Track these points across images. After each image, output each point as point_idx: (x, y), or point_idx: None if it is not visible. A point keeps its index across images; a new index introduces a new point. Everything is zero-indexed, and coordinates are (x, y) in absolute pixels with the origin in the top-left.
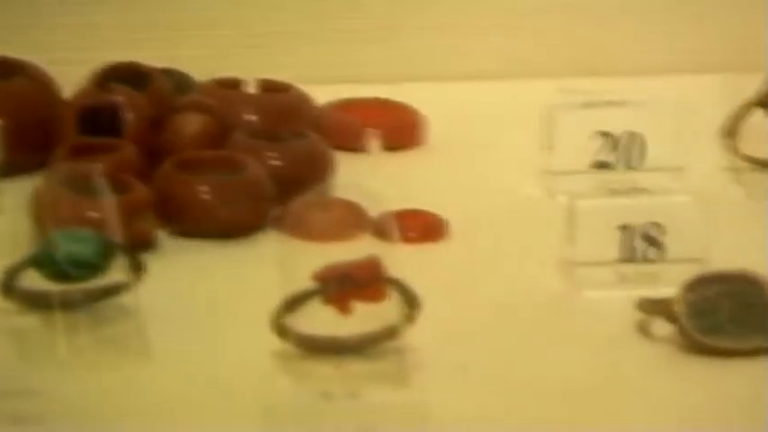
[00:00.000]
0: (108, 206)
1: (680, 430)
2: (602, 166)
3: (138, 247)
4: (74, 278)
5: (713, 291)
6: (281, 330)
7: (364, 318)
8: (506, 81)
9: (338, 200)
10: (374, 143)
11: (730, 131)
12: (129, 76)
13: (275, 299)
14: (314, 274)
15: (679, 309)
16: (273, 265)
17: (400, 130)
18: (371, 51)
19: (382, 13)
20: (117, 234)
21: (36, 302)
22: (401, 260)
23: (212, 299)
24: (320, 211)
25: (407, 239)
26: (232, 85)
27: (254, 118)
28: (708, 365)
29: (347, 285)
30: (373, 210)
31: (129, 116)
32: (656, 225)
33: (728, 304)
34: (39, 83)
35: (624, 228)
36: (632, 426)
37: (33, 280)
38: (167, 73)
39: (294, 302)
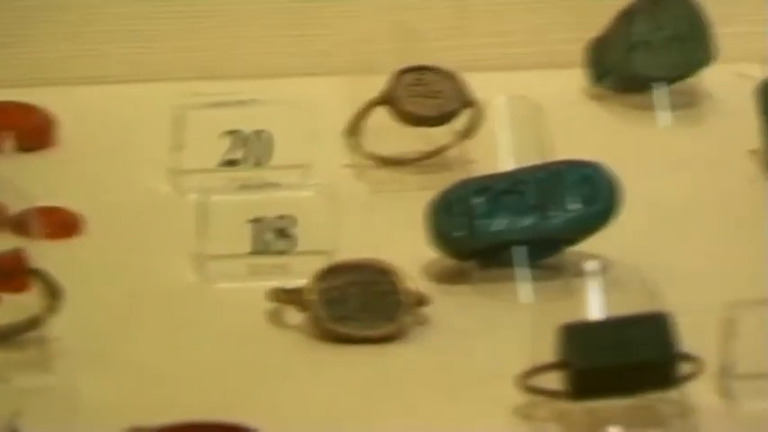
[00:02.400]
0: None
1: (312, 414)
2: (231, 163)
3: None
4: None
5: (343, 280)
6: None
7: (9, 308)
8: (136, 84)
9: None
10: (7, 144)
11: (353, 130)
12: None
13: None
14: None
15: (310, 298)
16: None
17: (32, 131)
18: (3, 56)
19: (8, 18)
20: None
21: None
22: (40, 254)
23: None
24: None
25: (44, 235)
26: None
27: None
28: (338, 352)
29: None
30: (11, 207)
31: None
32: (286, 218)
33: (358, 293)
34: None
35: (255, 222)
36: (265, 410)
37: None
38: None
39: None
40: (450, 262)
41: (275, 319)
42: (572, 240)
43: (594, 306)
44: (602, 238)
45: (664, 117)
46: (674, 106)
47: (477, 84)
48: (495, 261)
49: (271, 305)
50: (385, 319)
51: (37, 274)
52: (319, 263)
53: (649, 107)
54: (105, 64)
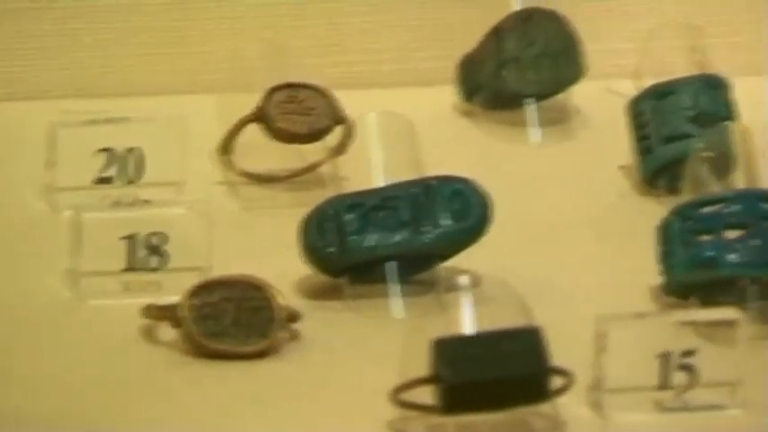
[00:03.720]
0: None
1: (185, 430)
2: (104, 181)
3: None
4: None
5: (216, 296)
6: None
7: None
8: (9, 103)
9: None
10: None
11: (225, 148)
12: None
13: None
14: None
15: (183, 314)
16: None
17: None
18: None
19: None
20: None
21: None
22: None
23: None
24: None
25: None
26: None
27: None
28: (211, 368)
29: None
30: None
31: None
32: (159, 235)
33: (231, 309)
34: None
35: (128, 238)
36: (139, 425)
37: None
38: None
39: None
40: (322, 278)
41: (148, 335)
42: (444, 256)
43: (466, 321)
44: (473, 254)
45: (534, 133)
46: (545, 122)
47: (350, 101)
48: (368, 277)
49: (144, 321)
50: (258, 334)
51: None
52: (192, 279)
53: (520, 123)
54: None
